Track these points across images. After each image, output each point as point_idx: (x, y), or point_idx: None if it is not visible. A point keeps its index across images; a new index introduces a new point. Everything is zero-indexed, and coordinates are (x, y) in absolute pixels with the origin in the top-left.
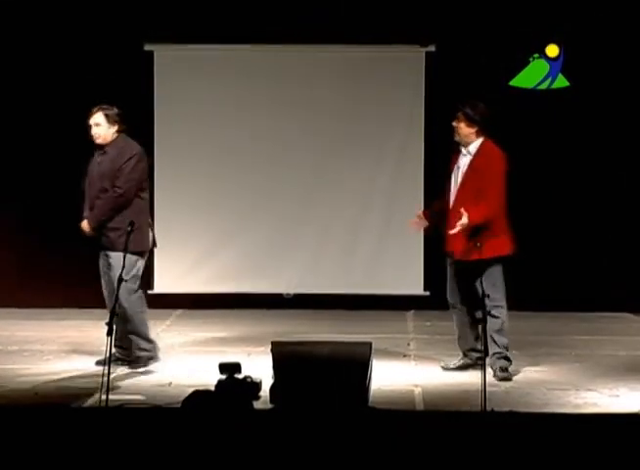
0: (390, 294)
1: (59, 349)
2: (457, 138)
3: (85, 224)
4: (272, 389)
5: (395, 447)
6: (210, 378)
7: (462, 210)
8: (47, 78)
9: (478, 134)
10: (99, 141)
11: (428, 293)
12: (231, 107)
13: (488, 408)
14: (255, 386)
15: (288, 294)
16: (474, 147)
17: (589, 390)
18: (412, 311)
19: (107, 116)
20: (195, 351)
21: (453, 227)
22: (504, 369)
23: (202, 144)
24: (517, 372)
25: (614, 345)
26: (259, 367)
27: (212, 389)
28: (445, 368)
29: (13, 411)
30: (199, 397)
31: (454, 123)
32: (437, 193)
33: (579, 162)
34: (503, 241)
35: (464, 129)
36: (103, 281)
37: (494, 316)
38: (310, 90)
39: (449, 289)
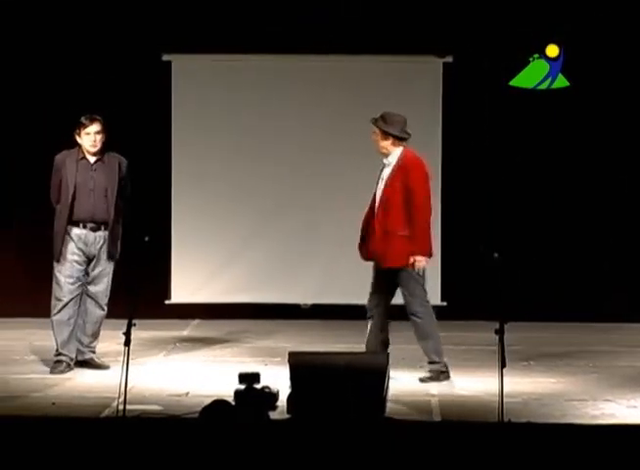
0: None
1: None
2: (377, 151)
3: None
4: (289, 399)
5: (412, 458)
6: (228, 388)
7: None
8: (66, 88)
9: (395, 144)
10: (95, 149)
11: (445, 303)
12: (248, 117)
13: (505, 419)
14: (273, 396)
15: (305, 304)
16: (393, 157)
17: (607, 401)
18: None
19: (104, 124)
20: (212, 360)
21: (376, 234)
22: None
23: (218, 154)
24: (534, 383)
25: (631, 356)
26: (276, 377)
27: (230, 398)
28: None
29: (30, 422)
30: (217, 406)
31: (372, 138)
32: (455, 204)
33: (579, 163)
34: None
35: (380, 142)
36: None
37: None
38: (327, 101)
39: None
